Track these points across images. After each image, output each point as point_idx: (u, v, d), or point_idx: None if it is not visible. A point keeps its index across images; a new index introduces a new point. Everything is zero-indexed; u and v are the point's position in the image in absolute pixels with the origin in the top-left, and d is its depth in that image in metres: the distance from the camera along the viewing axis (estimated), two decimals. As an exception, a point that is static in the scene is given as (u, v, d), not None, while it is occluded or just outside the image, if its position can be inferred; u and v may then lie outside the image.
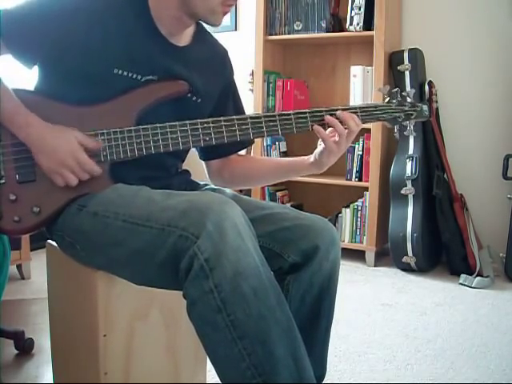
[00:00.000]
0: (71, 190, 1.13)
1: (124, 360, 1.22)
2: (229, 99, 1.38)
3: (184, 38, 1.26)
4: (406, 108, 1.32)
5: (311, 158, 1.29)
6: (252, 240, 0.97)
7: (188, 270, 0.94)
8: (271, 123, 1.20)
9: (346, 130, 1.21)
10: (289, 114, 1.21)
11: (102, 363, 1.18)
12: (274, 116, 1.20)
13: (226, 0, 1.15)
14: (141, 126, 1.15)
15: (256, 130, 1.20)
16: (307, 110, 1.22)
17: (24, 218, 1.11)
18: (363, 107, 1.27)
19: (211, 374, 1.42)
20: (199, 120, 1.17)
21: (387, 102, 1.32)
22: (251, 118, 1.20)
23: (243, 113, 1.40)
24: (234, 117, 1.19)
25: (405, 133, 1.36)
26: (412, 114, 1.33)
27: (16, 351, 1.79)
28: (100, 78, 1.15)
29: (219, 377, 0.97)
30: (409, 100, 1.33)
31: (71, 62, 1.14)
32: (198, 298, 0.94)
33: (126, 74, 1.17)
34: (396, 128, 1.35)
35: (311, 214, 1.26)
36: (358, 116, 1.23)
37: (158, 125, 1.15)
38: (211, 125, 1.17)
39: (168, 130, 1.15)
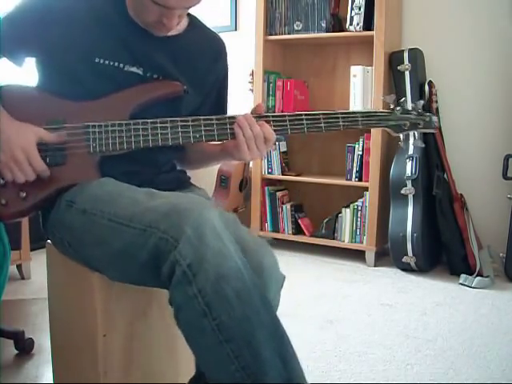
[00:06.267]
0: (58, 180, 1.16)
1: (124, 360, 1.22)
2: (212, 92, 1.37)
3: None
4: (412, 117, 1.30)
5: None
6: (232, 242, 0.98)
7: (170, 275, 0.95)
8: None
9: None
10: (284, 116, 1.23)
11: (102, 363, 1.18)
12: (268, 116, 1.21)
13: (161, 20, 1.16)
14: (132, 121, 1.17)
15: None
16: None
17: (11, 202, 1.14)
18: (364, 112, 1.26)
19: (211, 374, 1.42)
20: (190, 117, 1.18)
21: (391, 109, 1.31)
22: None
23: (223, 110, 1.40)
24: (227, 116, 1.20)
25: (412, 143, 1.33)
26: (419, 124, 1.31)
27: (16, 351, 1.79)
28: (84, 69, 1.18)
29: (210, 380, 0.98)
30: (413, 108, 1.31)
31: (55, 60, 1.19)
32: (183, 304, 0.95)
33: (107, 62, 1.19)
34: (401, 136, 1.33)
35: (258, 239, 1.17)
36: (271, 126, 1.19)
37: (148, 120, 1.16)
38: (202, 122, 1.18)
39: (159, 125, 1.17)
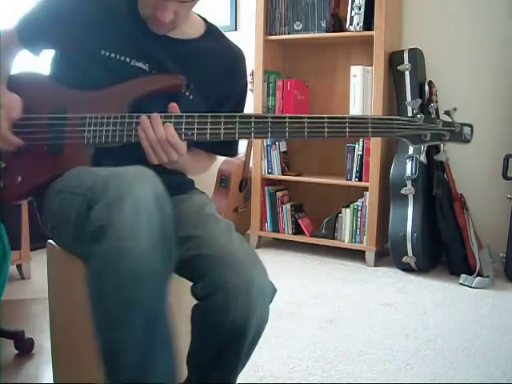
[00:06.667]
0: (52, 168, 1.19)
1: (124, 360, 1.22)
2: (229, 103, 1.34)
3: (183, 31, 1.27)
4: (437, 126, 1.13)
5: None
6: (151, 223, 0.94)
7: (88, 229, 0.96)
8: (261, 124, 1.15)
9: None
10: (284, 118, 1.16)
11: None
12: (267, 117, 1.16)
13: (155, 14, 1.17)
14: (127, 114, 1.17)
15: (242, 130, 1.15)
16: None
17: (8, 186, 1.20)
18: (375, 118, 1.14)
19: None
20: (185, 114, 1.16)
21: (411, 116, 1.15)
22: (239, 117, 1.15)
23: None
24: (222, 114, 1.15)
25: (435, 157, 1.16)
26: (444, 135, 1.14)
27: (16, 351, 1.79)
28: (90, 61, 1.21)
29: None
30: (446, 113, 1.15)
31: (66, 53, 1.24)
32: (90, 258, 0.95)
33: (113, 55, 1.21)
34: (422, 148, 1.15)
35: (248, 252, 1.10)
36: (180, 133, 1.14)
37: (143, 115, 1.15)
38: (196, 120, 1.15)
39: None
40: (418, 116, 1.13)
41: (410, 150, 2.79)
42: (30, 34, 1.27)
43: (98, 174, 1.04)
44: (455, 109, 1.15)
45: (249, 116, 1.16)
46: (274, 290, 1.10)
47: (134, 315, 0.92)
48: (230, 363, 1.09)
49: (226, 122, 1.15)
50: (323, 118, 1.13)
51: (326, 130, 1.13)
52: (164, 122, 1.14)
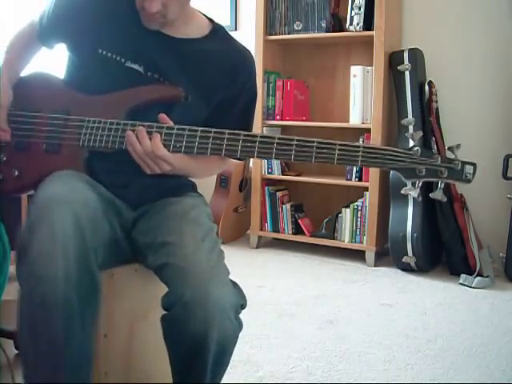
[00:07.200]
0: (47, 167, 1.20)
1: (124, 360, 1.22)
2: (234, 109, 1.32)
3: (185, 31, 1.26)
4: (434, 162, 1.05)
5: None
6: (67, 250, 0.95)
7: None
8: (248, 143, 1.13)
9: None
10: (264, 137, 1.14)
11: (102, 363, 1.18)
12: (256, 136, 1.14)
13: (143, 6, 1.16)
14: (122, 121, 1.18)
15: (229, 147, 1.14)
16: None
17: (6, 178, 1.25)
18: (367, 147, 1.08)
19: (211, 374, 1.42)
20: (177, 126, 1.16)
21: (408, 149, 1.08)
22: (229, 133, 1.14)
23: (246, 129, 1.28)
24: (212, 129, 1.14)
25: (430, 194, 1.09)
26: (441, 172, 1.05)
27: (16, 351, 1.79)
28: (88, 58, 1.24)
29: None
30: (450, 149, 1.07)
31: (70, 52, 1.28)
32: (16, 276, 1.01)
33: (110, 55, 1.23)
34: (417, 184, 1.09)
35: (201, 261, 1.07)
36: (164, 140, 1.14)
37: (138, 122, 1.16)
38: (186, 133, 1.15)
39: (146, 130, 1.16)
40: (415, 149, 1.07)
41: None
42: (47, 31, 1.31)
43: (40, 193, 1.06)
44: (458, 146, 1.08)
45: (238, 134, 1.14)
46: (238, 302, 1.07)
47: (40, 338, 0.97)
48: (200, 373, 1.08)
49: (215, 137, 1.14)
50: (313, 141, 1.09)
51: (314, 154, 1.09)
52: (154, 132, 1.14)
